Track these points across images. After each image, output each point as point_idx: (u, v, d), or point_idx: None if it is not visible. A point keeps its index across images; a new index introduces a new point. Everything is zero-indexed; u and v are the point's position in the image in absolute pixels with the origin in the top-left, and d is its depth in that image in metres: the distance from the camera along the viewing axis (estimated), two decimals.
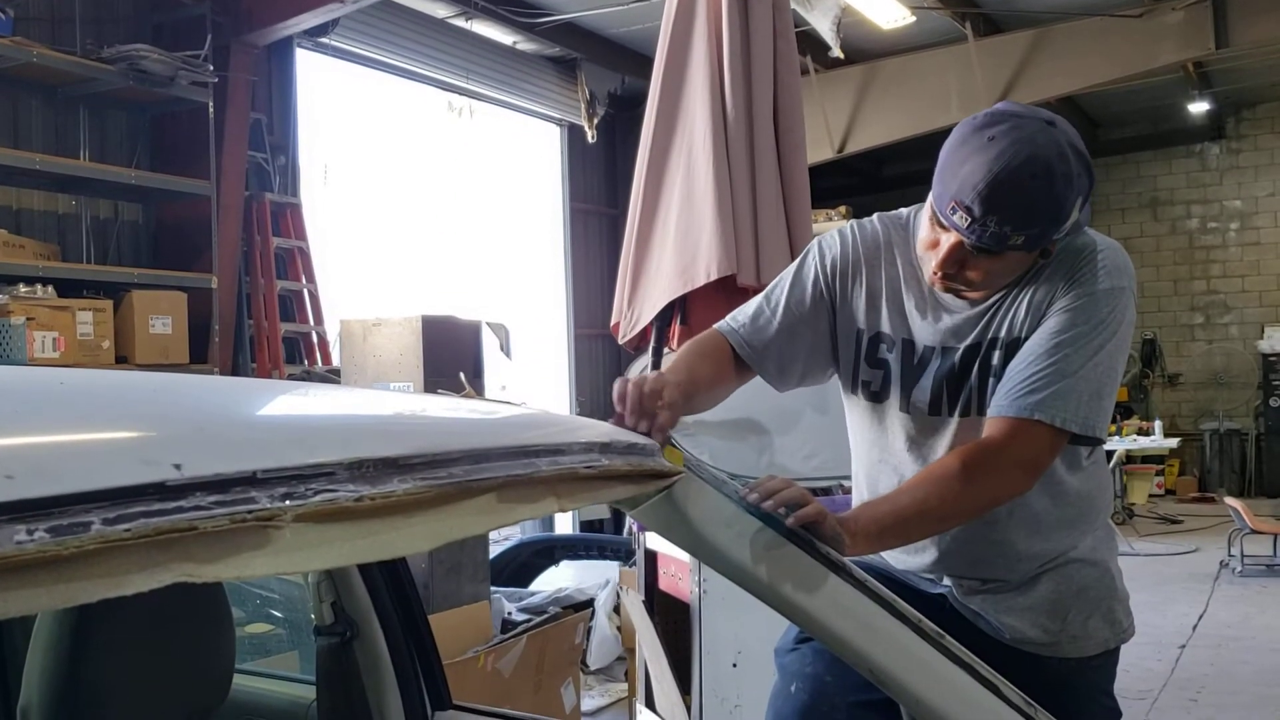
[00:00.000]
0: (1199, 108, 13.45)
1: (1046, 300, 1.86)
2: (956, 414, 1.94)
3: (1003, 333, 1.90)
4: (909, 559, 2.07)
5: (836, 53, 8.12)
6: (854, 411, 2.10)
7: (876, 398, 2.02)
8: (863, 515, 1.74)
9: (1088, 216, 1.85)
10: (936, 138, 1.88)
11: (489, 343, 5.45)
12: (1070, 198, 1.75)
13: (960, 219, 1.75)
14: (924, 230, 1.87)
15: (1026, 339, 1.86)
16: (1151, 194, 15.13)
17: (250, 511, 0.82)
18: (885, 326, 1.99)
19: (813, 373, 2.08)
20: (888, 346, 1.99)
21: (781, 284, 2.07)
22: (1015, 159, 1.71)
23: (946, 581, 2.05)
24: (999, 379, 1.87)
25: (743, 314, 2.06)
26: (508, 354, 5.42)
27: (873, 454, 2.08)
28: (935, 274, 1.87)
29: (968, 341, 1.93)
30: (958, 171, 1.75)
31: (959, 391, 1.94)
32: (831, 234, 2.08)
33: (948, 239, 1.81)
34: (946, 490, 1.76)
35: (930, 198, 1.83)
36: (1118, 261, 1.88)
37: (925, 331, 1.97)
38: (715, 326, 2.07)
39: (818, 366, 2.07)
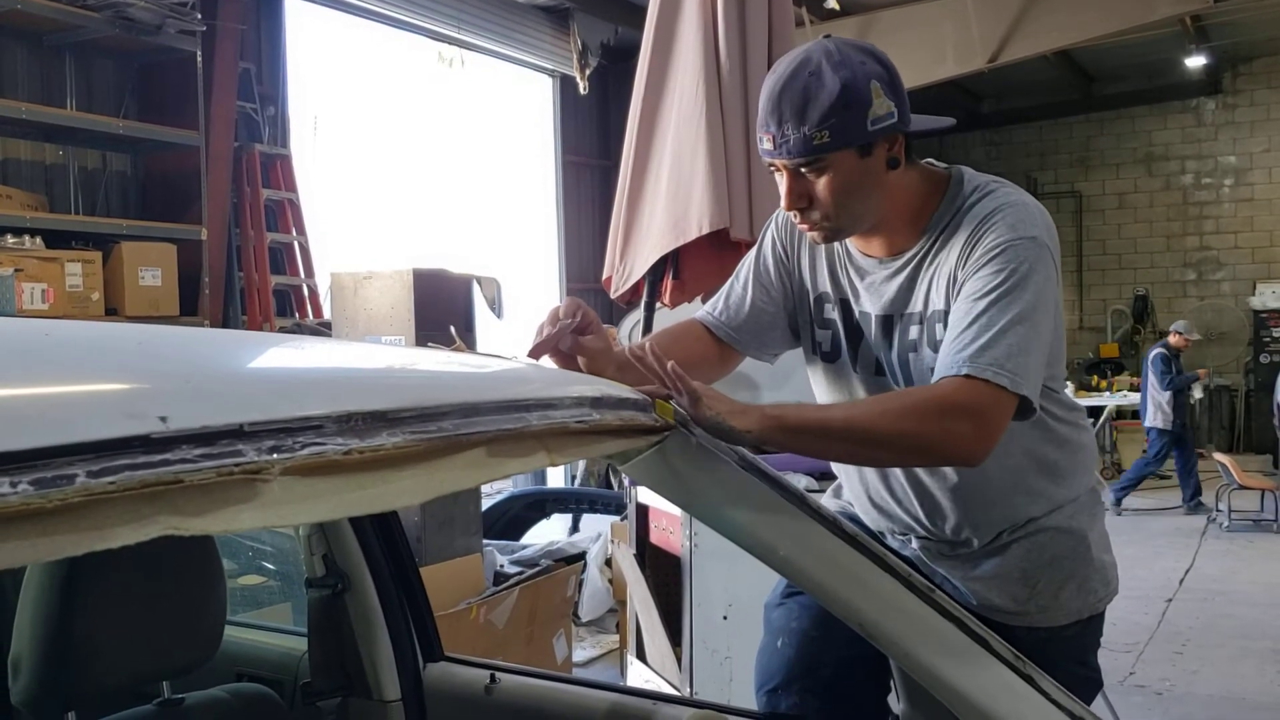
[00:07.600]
0: (1195, 62, 13.35)
1: (959, 267, 1.81)
2: (900, 380, 1.93)
3: (919, 307, 1.88)
4: (880, 520, 2.08)
5: (832, 4, 8.04)
6: (815, 378, 2.10)
7: (829, 358, 2.03)
8: (791, 410, 1.70)
9: (910, 116, 1.80)
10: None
11: (481, 296, 5.42)
12: (857, 82, 1.74)
13: (767, 145, 1.79)
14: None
15: (946, 311, 1.82)
16: (1146, 149, 15.07)
17: (237, 464, 0.81)
18: (826, 286, 2.02)
19: (788, 339, 2.10)
20: (831, 305, 2.01)
21: (748, 259, 2.11)
22: (786, 70, 1.78)
23: (914, 544, 2.06)
24: (919, 353, 1.85)
25: (715, 298, 2.12)
26: (498, 313, 5.39)
27: None
28: (797, 221, 1.88)
29: (883, 311, 1.93)
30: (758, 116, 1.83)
31: (891, 360, 1.93)
32: None
33: (779, 177, 1.83)
34: (881, 418, 1.69)
35: None
36: (1020, 215, 1.80)
37: (853, 293, 1.98)
38: (694, 316, 2.11)
39: (793, 332, 2.10)
